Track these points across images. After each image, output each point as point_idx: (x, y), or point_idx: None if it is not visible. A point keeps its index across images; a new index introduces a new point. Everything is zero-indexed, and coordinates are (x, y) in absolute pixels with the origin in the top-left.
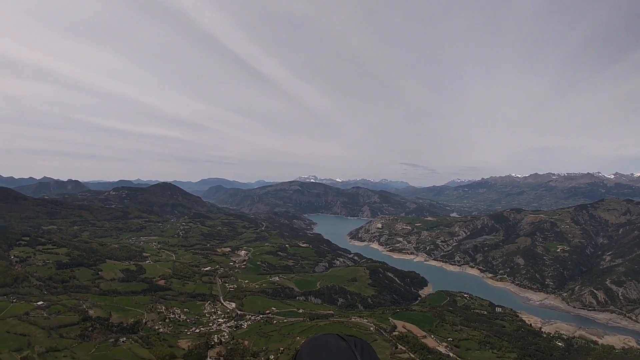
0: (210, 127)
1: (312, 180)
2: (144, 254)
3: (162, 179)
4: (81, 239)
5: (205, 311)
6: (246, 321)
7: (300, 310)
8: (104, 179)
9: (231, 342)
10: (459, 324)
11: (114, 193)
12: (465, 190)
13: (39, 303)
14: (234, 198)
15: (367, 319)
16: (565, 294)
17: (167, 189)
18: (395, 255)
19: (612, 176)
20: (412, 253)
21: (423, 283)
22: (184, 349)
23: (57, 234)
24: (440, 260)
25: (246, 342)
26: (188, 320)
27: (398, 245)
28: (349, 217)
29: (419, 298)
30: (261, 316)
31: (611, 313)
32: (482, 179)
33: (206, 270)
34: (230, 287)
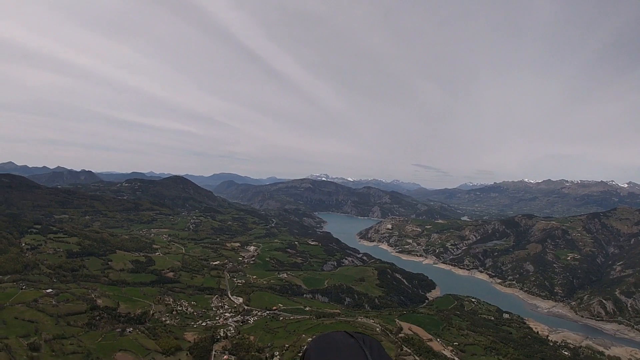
0: (224, 123)
1: (323, 179)
2: (154, 246)
3: (174, 173)
4: (92, 229)
5: (213, 305)
6: (253, 316)
7: (307, 308)
8: (117, 170)
9: (237, 336)
10: (466, 329)
11: (126, 185)
12: (477, 194)
13: (48, 291)
14: (245, 194)
15: (373, 319)
16: (573, 302)
17: (179, 182)
18: (404, 257)
19: (626, 185)
20: (421, 255)
21: (431, 286)
22: (189, 342)
23: (68, 223)
24: (449, 264)
25: (252, 337)
26: (195, 313)
27: (407, 246)
28: (359, 217)
29: (427, 301)
30: (268, 312)
31: (619, 324)
32: (495, 183)
33: (215, 265)
34: (238, 282)
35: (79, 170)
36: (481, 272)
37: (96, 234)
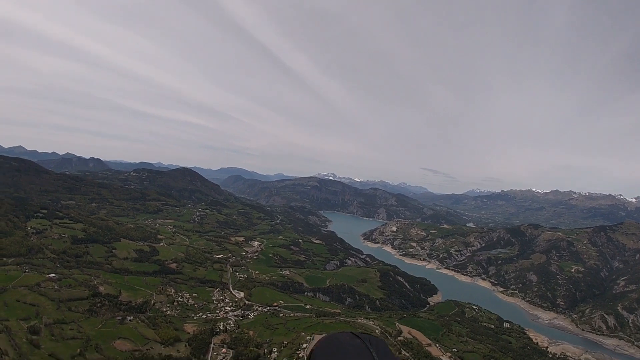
0: (234, 117)
1: (330, 178)
2: (159, 236)
3: (182, 164)
4: (98, 216)
5: (214, 298)
6: (253, 311)
7: (308, 306)
8: (125, 159)
9: (236, 330)
10: (465, 336)
11: (134, 174)
12: (484, 201)
13: (51, 275)
14: (252, 189)
15: (373, 321)
16: (575, 315)
17: (186, 174)
18: (408, 260)
19: (634, 200)
20: (424, 259)
21: (433, 290)
22: (189, 333)
23: (74, 209)
24: (452, 270)
25: (251, 332)
26: (196, 305)
27: (411, 250)
28: (364, 218)
29: (428, 305)
30: (268, 308)
31: (620, 339)
32: (502, 191)
33: (218, 258)
34: (241, 277)
35: (87, 157)
36: (484, 279)
37: (102, 222)
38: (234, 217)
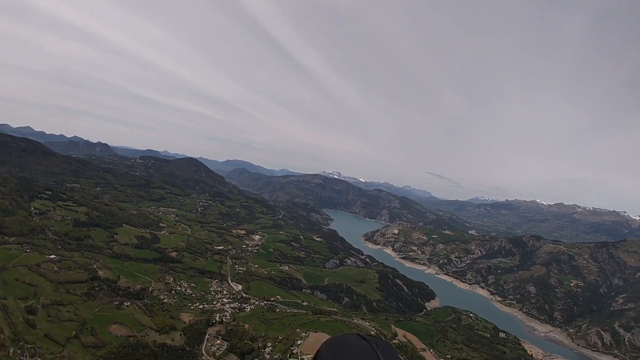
0: (242, 110)
1: (335, 176)
2: (161, 224)
3: (188, 154)
4: (102, 201)
5: (212, 289)
6: (250, 305)
7: (305, 303)
8: (132, 146)
9: (232, 323)
10: (460, 343)
11: (140, 161)
12: (488, 210)
13: (51, 256)
14: (256, 183)
15: (369, 322)
16: (571, 329)
17: (192, 164)
18: (407, 264)
19: (638, 218)
20: (424, 264)
21: (430, 295)
22: (184, 323)
23: (79, 193)
24: (451, 276)
25: (247, 326)
26: (193, 295)
27: (412, 254)
28: (366, 219)
29: (425, 310)
30: (265, 302)
31: (615, 357)
32: (507, 200)
33: (219, 249)
34: (240, 269)
35: (95, 142)
36: (482, 287)
37: (105, 206)
38: (237, 209)
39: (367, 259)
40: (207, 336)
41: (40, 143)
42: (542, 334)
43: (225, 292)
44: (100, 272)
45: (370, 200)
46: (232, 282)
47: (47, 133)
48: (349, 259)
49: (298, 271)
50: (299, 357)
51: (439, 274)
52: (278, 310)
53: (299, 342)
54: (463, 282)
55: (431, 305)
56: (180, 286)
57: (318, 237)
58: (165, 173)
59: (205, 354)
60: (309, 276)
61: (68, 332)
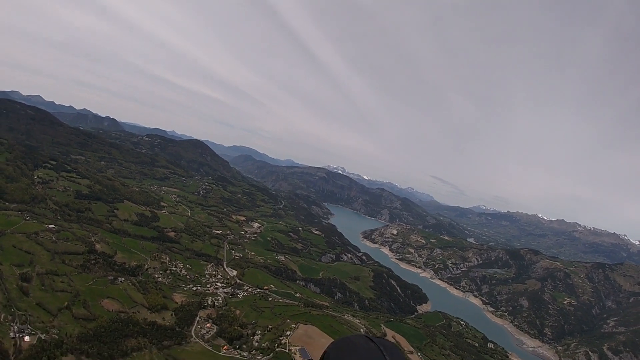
0: (253, 97)
1: (339, 171)
2: (162, 204)
3: (195, 136)
4: (105, 175)
5: (207, 272)
6: (243, 291)
7: (298, 295)
8: (140, 123)
9: (224, 307)
10: (448, 349)
11: (147, 139)
12: (488, 219)
13: (50, 226)
14: (260, 171)
15: (359, 319)
16: (560, 347)
17: (198, 146)
18: (403, 265)
19: (638, 242)
20: (420, 267)
21: (423, 299)
22: (177, 303)
23: (83, 165)
24: (445, 282)
25: (238, 312)
26: (188, 277)
27: (408, 256)
28: (366, 216)
29: (416, 313)
30: (258, 290)
31: None
32: (508, 211)
33: (217, 233)
34: (236, 255)
35: (103, 116)
36: (476, 296)
37: (108, 181)
38: (239, 195)
39: (364, 257)
40: (197, 318)
41: (48, 113)
42: (531, 349)
43: (219, 276)
44: (98, 246)
45: (372, 198)
46: (227, 267)
47: (57, 103)
48: (345, 254)
49: (294, 262)
50: (287, 348)
51: (433, 279)
52: (270, 299)
53: (288, 332)
54: (457, 289)
55: (423, 308)
56: (175, 266)
57: (317, 230)
58: (170, 153)
59: (194, 336)
60: (304, 268)
61: (60, 303)
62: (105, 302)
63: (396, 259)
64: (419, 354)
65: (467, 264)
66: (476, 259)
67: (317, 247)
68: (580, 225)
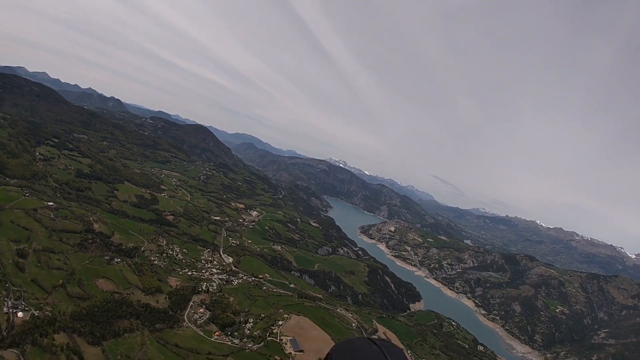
0: (259, 85)
1: (341, 165)
2: (162, 187)
3: (199, 121)
4: (107, 155)
5: (203, 257)
6: (238, 279)
7: (292, 285)
8: (144, 105)
9: (218, 294)
10: (438, 349)
11: (150, 121)
12: (487, 222)
13: (50, 203)
14: (262, 160)
15: (352, 314)
16: (549, 355)
17: (201, 131)
18: (399, 262)
19: (634, 256)
20: (415, 265)
21: (416, 298)
22: (171, 287)
23: (85, 144)
24: (440, 282)
25: (231, 299)
26: (184, 261)
27: (404, 253)
28: (365, 212)
29: (408, 311)
30: (253, 278)
31: None
32: (507, 216)
33: (215, 219)
34: (233, 242)
35: (108, 96)
36: (469, 298)
37: (109, 161)
38: (239, 183)
39: (360, 252)
40: (191, 303)
41: (53, 90)
42: (520, 354)
43: (215, 262)
44: (96, 225)
45: (372, 193)
46: (223, 253)
47: (62, 81)
48: (341, 248)
49: (290, 253)
50: (278, 338)
51: (428, 278)
52: (265, 288)
53: (280, 322)
54: (451, 289)
55: (416, 307)
56: (172, 250)
57: (315, 222)
58: (173, 136)
59: (187, 321)
60: (300, 259)
61: (55, 280)
62: (100, 281)
63: (392, 255)
64: (409, 351)
65: (462, 265)
66: (472, 261)
67: (314, 239)
68: (577, 235)
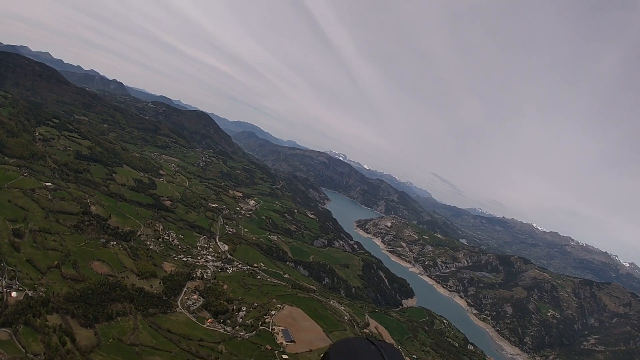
0: (262, 74)
1: (340, 158)
2: (161, 172)
3: (200, 108)
4: (106, 138)
5: (198, 244)
6: (232, 267)
7: (286, 276)
8: (147, 89)
9: (212, 281)
10: (429, 346)
11: (152, 105)
12: (483, 222)
13: (47, 184)
14: (262, 149)
15: (344, 307)
16: (538, 357)
17: (202, 118)
18: (393, 258)
19: (627, 264)
20: (409, 262)
21: (409, 294)
22: (166, 272)
23: (85, 126)
24: (433, 279)
25: (225, 287)
26: (179, 247)
27: (400, 249)
28: (363, 206)
29: (401, 307)
30: (248, 267)
31: None
32: (503, 217)
33: (212, 207)
34: (229, 230)
35: (110, 78)
36: (461, 297)
37: (109, 144)
38: (238, 171)
39: (355, 245)
40: (185, 289)
41: (56, 70)
42: (509, 356)
43: (211, 249)
44: (93, 208)
45: (370, 188)
46: (219, 241)
47: (65, 62)
48: (337, 241)
49: (286, 243)
50: (270, 327)
51: (422, 275)
52: (259, 277)
53: (273, 312)
54: (444, 287)
55: (408, 303)
56: (168, 235)
57: (312, 214)
58: (174, 122)
59: (180, 306)
60: (296, 250)
61: (50, 261)
62: (95, 264)
63: (387, 251)
64: (399, 347)
65: (456, 264)
66: (466, 260)
67: (310, 230)
68: (573, 240)
